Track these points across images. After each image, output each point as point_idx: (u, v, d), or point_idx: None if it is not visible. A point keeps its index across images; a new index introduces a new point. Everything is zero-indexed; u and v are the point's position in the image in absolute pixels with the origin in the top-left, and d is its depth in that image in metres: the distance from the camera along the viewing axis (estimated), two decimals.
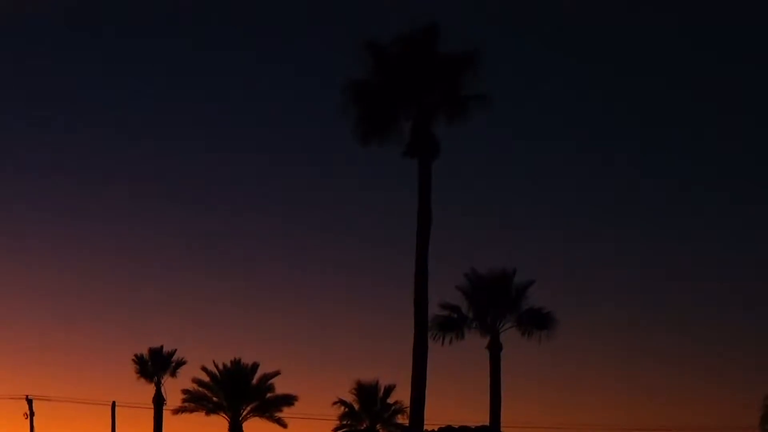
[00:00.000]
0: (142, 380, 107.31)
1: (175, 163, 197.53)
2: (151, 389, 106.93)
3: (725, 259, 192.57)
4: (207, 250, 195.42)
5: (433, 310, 72.38)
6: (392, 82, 63.88)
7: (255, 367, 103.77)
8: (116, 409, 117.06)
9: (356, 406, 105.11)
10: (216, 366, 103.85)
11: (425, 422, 66.76)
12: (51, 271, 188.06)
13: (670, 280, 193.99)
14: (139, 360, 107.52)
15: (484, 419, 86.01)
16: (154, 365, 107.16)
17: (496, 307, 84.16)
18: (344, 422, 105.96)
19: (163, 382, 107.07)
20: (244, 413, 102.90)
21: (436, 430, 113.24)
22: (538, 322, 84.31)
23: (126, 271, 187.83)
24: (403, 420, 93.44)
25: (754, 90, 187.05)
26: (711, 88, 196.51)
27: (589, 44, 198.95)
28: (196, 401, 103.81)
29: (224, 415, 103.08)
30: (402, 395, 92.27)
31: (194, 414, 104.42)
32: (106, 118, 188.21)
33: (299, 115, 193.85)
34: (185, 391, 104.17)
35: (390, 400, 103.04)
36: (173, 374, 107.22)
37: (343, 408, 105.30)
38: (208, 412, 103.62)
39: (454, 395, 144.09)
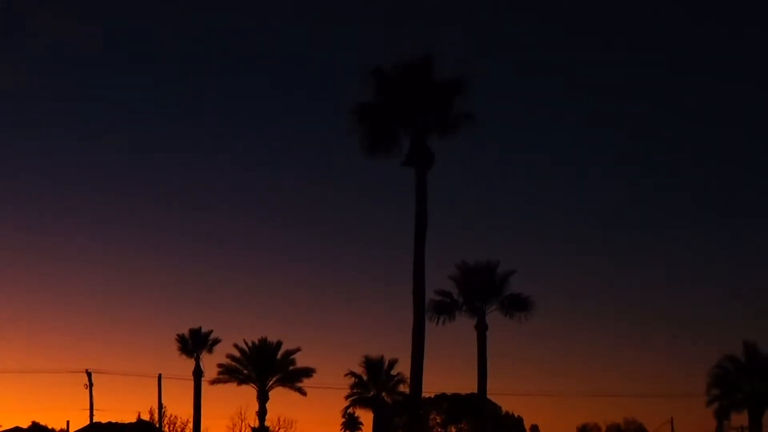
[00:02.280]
0: (184, 356, 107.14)
1: (214, 174, 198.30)
2: (191, 364, 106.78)
3: (675, 251, 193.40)
4: (238, 245, 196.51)
5: (430, 295, 72.25)
6: (393, 103, 63.60)
7: (279, 344, 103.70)
8: (162, 380, 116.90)
9: (365, 377, 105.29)
10: (246, 343, 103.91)
11: (423, 391, 66.51)
12: (107, 263, 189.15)
13: (627, 267, 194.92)
14: (181, 339, 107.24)
15: (473, 388, 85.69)
16: (194, 343, 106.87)
17: (482, 293, 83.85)
18: (355, 391, 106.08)
19: (201, 357, 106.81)
20: (270, 383, 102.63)
21: (432, 396, 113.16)
22: (518, 305, 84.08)
23: (170, 262, 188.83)
24: (404, 389, 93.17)
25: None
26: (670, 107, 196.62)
27: (563, 70, 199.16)
28: (229, 374, 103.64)
29: (253, 385, 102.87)
30: (403, 368, 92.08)
31: (228, 384, 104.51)
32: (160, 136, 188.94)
33: (313, 130, 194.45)
34: (220, 365, 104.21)
35: (393, 372, 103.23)
36: (210, 351, 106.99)
37: (353, 379, 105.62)
38: (240, 382, 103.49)
39: (447, 368, 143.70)
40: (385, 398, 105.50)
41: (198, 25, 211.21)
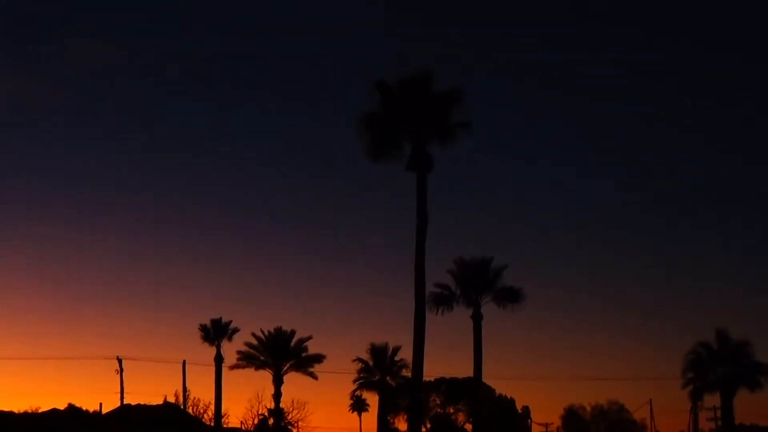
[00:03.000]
0: (206, 344, 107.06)
1: (236, 179, 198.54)
2: (212, 351, 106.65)
3: (653, 248, 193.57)
4: (256, 244, 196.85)
5: (430, 288, 72.38)
6: (395, 113, 63.70)
7: (292, 333, 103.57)
8: (186, 366, 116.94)
9: (370, 363, 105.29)
10: (262, 332, 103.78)
11: (423, 375, 66.56)
12: (137, 260, 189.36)
13: (610, 263, 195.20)
14: (203, 328, 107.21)
15: (469, 372, 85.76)
16: (215, 332, 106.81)
17: (477, 286, 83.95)
18: (361, 375, 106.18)
19: (221, 345, 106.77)
20: (284, 369, 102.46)
21: (432, 380, 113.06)
22: (510, 297, 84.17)
23: (194, 259, 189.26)
24: (406, 373, 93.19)
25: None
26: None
27: (555, 80, 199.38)
28: (247, 360, 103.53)
29: (269, 371, 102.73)
30: (405, 354, 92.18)
31: (246, 369, 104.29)
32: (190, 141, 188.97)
33: (323, 137, 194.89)
34: (239, 352, 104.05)
35: (396, 358, 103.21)
36: (229, 339, 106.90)
37: (360, 364, 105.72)
38: (257, 368, 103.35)
39: (446, 354, 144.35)
40: (389, 382, 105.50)
41: (223, 44, 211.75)
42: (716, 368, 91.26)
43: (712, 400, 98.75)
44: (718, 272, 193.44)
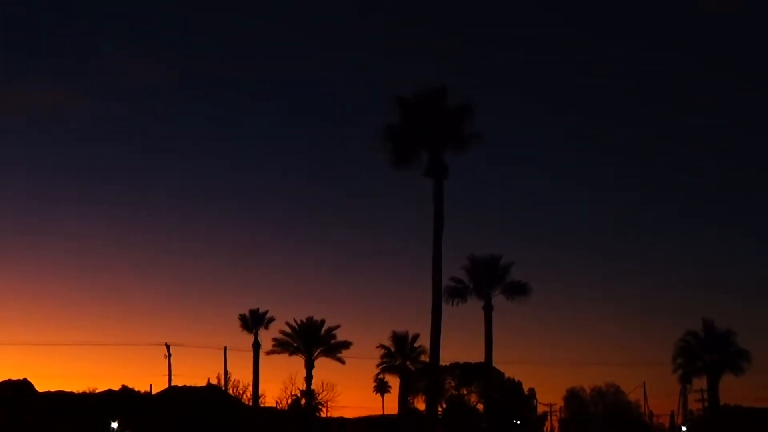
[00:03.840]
0: (245, 332, 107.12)
1: (273, 183, 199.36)
2: (250, 338, 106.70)
3: (645, 246, 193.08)
4: (290, 241, 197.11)
5: (446, 282, 72.14)
6: (414, 125, 63.58)
7: (322, 322, 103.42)
8: (227, 352, 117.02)
9: (392, 349, 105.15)
10: (295, 321, 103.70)
11: (440, 360, 66.51)
12: (183, 256, 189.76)
13: (608, 259, 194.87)
14: (242, 318, 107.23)
15: (481, 357, 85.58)
16: (253, 321, 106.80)
17: (488, 280, 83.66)
18: (384, 360, 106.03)
19: (259, 333, 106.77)
20: (315, 354, 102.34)
21: (447, 365, 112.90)
22: (517, 290, 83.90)
23: (235, 255, 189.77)
24: (424, 358, 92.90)
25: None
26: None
27: (559, 92, 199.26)
28: (282, 346, 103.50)
29: (301, 356, 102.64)
30: (424, 341, 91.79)
31: (281, 355, 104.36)
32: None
33: (350, 146, 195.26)
34: (274, 339, 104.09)
35: (416, 345, 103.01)
36: (266, 327, 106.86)
37: (383, 350, 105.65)
38: (290, 353, 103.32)
39: (460, 341, 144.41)
40: (409, 366, 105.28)
41: (259, 64, 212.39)
42: (703, 355, 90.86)
43: (700, 383, 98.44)
44: (705, 267, 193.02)
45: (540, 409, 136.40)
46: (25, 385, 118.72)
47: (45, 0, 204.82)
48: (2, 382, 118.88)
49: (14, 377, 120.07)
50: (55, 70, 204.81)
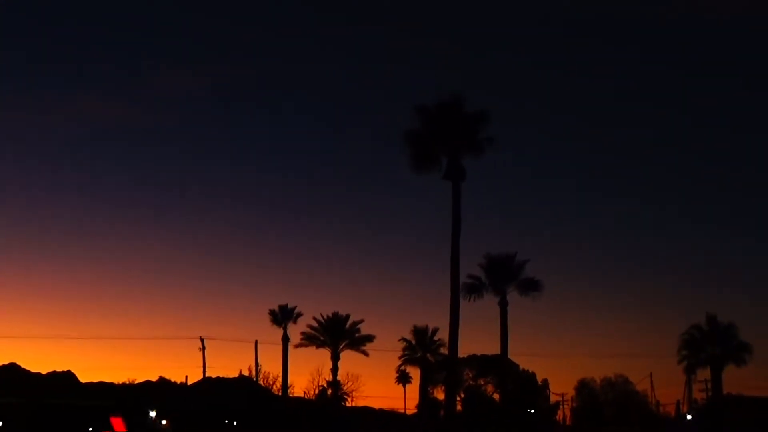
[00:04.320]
0: (274, 326, 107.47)
1: (303, 188, 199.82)
2: (280, 332, 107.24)
3: (652, 245, 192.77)
4: (316, 240, 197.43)
5: (463, 279, 71.90)
6: (433, 131, 63.77)
7: (347, 317, 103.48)
8: (258, 345, 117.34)
9: (413, 342, 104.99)
10: (322, 316, 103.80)
11: (458, 352, 66.54)
12: (216, 255, 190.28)
13: (617, 258, 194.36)
14: (272, 313, 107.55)
15: (497, 350, 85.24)
16: (282, 316, 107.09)
17: (503, 277, 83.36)
18: (406, 353, 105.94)
19: (287, 327, 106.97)
20: (341, 347, 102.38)
21: (465, 357, 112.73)
22: (531, 286, 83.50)
23: (264, 254, 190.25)
24: (444, 351, 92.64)
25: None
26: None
27: (568, 100, 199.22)
28: (309, 340, 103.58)
29: (327, 349, 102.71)
30: (443, 335, 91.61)
31: (308, 348, 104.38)
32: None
33: (375, 150, 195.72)
34: (302, 333, 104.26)
35: (435, 338, 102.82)
36: (294, 322, 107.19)
37: (405, 343, 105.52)
38: (317, 346, 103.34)
39: (477, 334, 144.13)
40: (429, 358, 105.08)
41: (285, 73, 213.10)
42: (707, 347, 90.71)
43: (704, 374, 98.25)
44: (708, 265, 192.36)
45: (553, 398, 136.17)
46: (68, 376, 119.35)
47: (96, 20, 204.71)
48: (47, 373, 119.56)
49: (59, 369, 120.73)
50: (108, 83, 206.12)
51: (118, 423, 79.74)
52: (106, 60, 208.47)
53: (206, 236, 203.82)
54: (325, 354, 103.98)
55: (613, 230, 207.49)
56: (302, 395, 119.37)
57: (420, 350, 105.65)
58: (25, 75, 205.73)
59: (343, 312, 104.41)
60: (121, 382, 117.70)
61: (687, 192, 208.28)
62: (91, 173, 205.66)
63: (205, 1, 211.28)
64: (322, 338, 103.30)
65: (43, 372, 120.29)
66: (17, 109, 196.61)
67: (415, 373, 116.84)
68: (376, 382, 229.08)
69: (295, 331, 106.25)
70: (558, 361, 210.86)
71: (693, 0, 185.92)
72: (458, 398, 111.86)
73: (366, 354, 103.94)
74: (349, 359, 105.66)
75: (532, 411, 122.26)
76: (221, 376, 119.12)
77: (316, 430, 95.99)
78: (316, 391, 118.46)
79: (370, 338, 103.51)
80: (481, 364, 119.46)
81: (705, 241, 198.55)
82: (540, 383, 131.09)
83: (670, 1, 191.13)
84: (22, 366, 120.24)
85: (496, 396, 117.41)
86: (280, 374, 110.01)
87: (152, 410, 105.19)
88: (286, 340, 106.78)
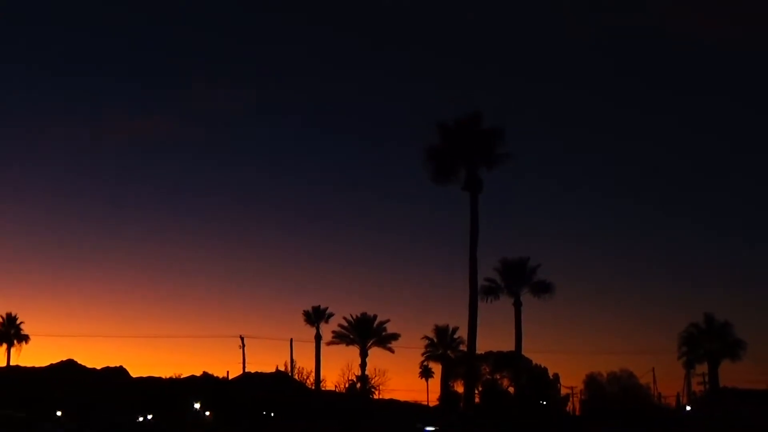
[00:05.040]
0: (308, 325, 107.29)
1: (334, 197, 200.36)
2: (313, 331, 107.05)
3: (654, 248, 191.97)
4: (347, 246, 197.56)
5: (481, 282, 71.68)
6: (452, 146, 63.77)
7: (374, 317, 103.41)
8: (293, 343, 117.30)
9: (435, 340, 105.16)
10: (351, 316, 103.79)
11: (476, 349, 66.34)
12: (256, 260, 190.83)
13: (622, 261, 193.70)
14: (306, 313, 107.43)
15: (512, 347, 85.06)
16: (315, 316, 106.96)
17: (517, 280, 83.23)
18: (428, 349, 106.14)
19: (320, 326, 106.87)
20: (368, 344, 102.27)
21: (482, 353, 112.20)
22: (543, 288, 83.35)
23: (299, 259, 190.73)
24: (463, 348, 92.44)
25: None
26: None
27: (576, 115, 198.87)
28: (340, 338, 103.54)
29: (356, 346, 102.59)
30: (462, 333, 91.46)
31: (339, 345, 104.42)
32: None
33: (401, 165, 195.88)
34: (333, 332, 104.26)
35: (455, 336, 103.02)
36: (326, 321, 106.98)
37: (427, 341, 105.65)
38: (347, 344, 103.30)
39: (493, 333, 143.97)
40: (450, 354, 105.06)
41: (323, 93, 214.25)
42: (704, 344, 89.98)
43: (702, 368, 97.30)
44: (706, 268, 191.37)
45: (563, 391, 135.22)
46: (121, 371, 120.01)
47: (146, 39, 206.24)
48: (102, 368, 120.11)
49: (112, 365, 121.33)
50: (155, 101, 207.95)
51: None
52: (162, 83, 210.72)
53: (245, 243, 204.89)
54: (354, 351, 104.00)
55: (620, 237, 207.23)
56: (333, 389, 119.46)
57: (441, 347, 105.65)
58: (93, 95, 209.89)
59: (370, 312, 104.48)
60: (168, 377, 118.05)
61: (687, 204, 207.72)
62: (144, 184, 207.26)
63: (249, 29, 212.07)
64: (351, 336, 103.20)
65: (98, 367, 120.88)
66: (86, 123, 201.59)
67: (436, 368, 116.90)
68: (401, 377, 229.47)
69: (326, 330, 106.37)
70: (568, 357, 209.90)
71: (700, 22, 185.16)
72: (476, 391, 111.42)
73: (392, 351, 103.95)
74: (376, 356, 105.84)
75: (545, 403, 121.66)
76: (259, 371, 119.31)
77: (346, 420, 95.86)
78: (346, 385, 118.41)
79: (395, 336, 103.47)
80: (497, 360, 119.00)
81: (703, 248, 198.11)
82: (551, 377, 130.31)
83: (680, 22, 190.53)
84: (79, 362, 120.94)
85: (511, 389, 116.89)
86: (314, 369, 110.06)
87: (196, 402, 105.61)
88: (318, 338, 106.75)
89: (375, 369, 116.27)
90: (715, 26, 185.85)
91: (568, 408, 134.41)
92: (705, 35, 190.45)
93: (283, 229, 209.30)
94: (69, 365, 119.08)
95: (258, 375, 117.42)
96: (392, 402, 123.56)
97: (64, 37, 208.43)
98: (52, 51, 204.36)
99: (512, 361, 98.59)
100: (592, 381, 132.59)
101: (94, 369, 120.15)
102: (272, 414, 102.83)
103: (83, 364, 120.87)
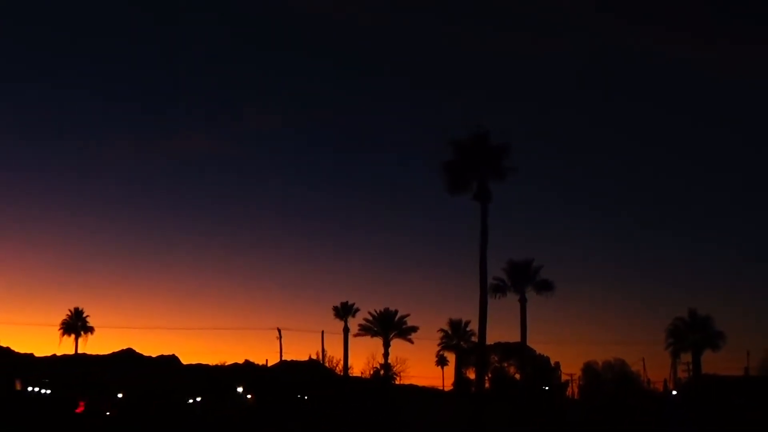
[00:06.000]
0: (337, 319, 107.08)
1: (355, 204, 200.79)
2: (341, 324, 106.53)
3: (642, 250, 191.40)
4: (369, 250, 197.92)
5: (490, 281, 71.00)
6: (465, 160, 63.73)
7: (396, 311, 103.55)
8: (324, 335, 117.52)
9: (450, 332, 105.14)
10: (375, 311, 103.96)
11: (486, 340, 66.34)
12: (288, 256, 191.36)
13: (615, 261, 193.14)
14: (335, 308, 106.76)
15: (518, 338, 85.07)
16: (343, 311, 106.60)
17: (523, 279, 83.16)
18: (443, 341, 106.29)
19: (348, 320, 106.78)
20: (391, 336, 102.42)
21: (492, 344, 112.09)
22: (545, 287, 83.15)
23: (329, 258, 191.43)
24: (474, 339, 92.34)
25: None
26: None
27: (577, 133, 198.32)
28: (365, 330, 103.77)
29: (380, 338, 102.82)
30: (474, 326, 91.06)
31: (364, 337, 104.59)
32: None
33: (417, 177, 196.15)
34: (359, 325, 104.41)
35: (468, 329, 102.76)
36: (353, 316, 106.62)
37: (443, 333, 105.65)
38: (372, 336, 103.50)
39: (501, 326, 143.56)
40: (463, 345, 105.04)
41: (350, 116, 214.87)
42: (689, 335, 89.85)
43: (686, 357, 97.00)
44: (690, 267, 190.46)
45: (563, 378, 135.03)
46: (173, 359, 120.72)
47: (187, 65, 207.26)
48: (156, 356, 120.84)
49: (165, 353, 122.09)
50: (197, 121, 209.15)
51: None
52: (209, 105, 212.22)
53: (281, 245, 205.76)
54: (378, 342, 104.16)
55: (614, 242, 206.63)
56: (360, 375, 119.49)
57: (455, 339, 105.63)
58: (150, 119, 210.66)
59: (392, 308, 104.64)
60: (214, 364, 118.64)
61: (674, 205, 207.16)
62: (191, 195, 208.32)
63: (284, 60, 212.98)
64: (375, 329, 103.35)
65: (153, 355, 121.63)
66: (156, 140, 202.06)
67: (451, 357, 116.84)
68: (420, 365, 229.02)
69: (353, 323, 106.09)
70: (568, 347, 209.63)
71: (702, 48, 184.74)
72: (486, 378, 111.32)
73: (411, 342, 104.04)
74: (397, 346, 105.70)
75: (547, 388, 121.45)
76: (294, 359, 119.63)
77: (371, 403, 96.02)
78: (371, 372, 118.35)
79: (414, 329, 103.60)
80: (504, 350, 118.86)
81: (688, 249, 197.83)
82: (553, 365, 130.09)
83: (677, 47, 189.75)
84: (137, 351, 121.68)
85: (518, 376, 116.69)
86: (342, 358, 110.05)
87: (239, 387, 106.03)
88: (346, 330, 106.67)
89: (396, 358, 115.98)
90: (712, 51, 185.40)
91: (567, 392, 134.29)
92: (699, 56, 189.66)
93: (316, 236, 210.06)
94: (128, 353, 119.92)
95: (293, 363, 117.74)
96: (411, 387, 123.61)
97: (109, 60, 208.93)
98: (101, 76, 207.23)
99: (518, 351, 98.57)
100: (588, 369, 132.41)
101: (150, 357, 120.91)
102: (306, 397, 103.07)
103: (140, 352, 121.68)
